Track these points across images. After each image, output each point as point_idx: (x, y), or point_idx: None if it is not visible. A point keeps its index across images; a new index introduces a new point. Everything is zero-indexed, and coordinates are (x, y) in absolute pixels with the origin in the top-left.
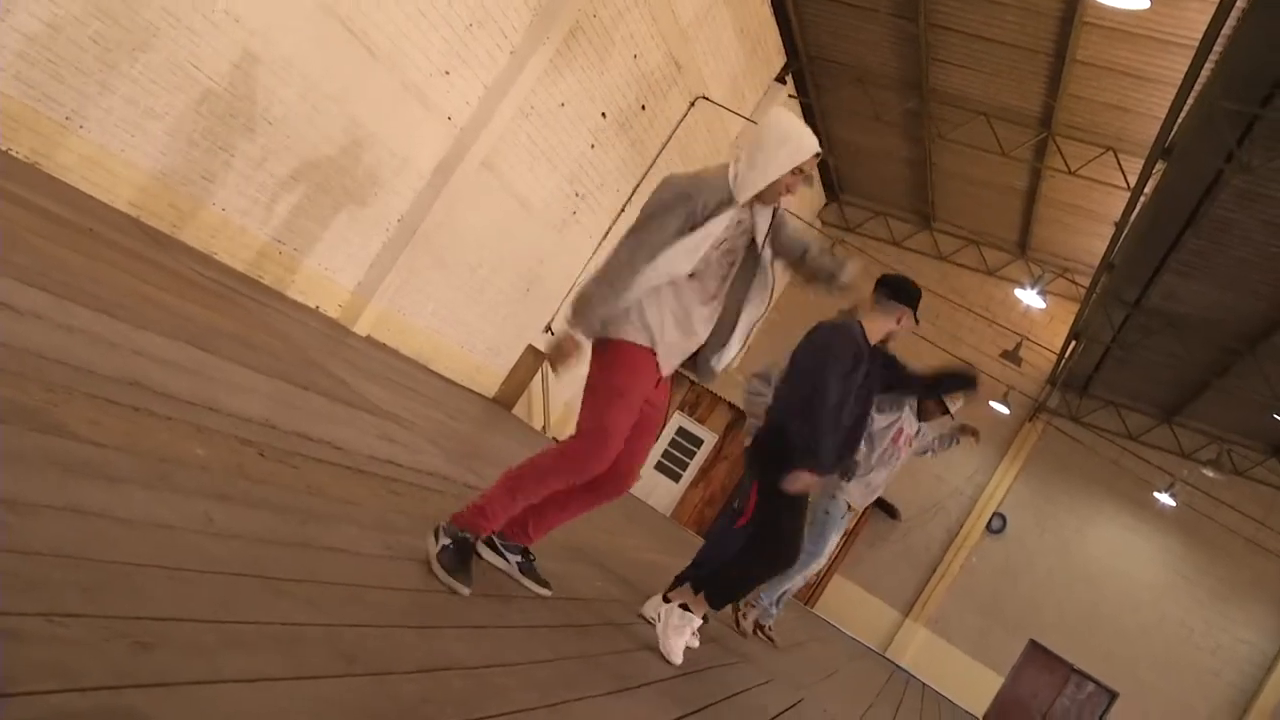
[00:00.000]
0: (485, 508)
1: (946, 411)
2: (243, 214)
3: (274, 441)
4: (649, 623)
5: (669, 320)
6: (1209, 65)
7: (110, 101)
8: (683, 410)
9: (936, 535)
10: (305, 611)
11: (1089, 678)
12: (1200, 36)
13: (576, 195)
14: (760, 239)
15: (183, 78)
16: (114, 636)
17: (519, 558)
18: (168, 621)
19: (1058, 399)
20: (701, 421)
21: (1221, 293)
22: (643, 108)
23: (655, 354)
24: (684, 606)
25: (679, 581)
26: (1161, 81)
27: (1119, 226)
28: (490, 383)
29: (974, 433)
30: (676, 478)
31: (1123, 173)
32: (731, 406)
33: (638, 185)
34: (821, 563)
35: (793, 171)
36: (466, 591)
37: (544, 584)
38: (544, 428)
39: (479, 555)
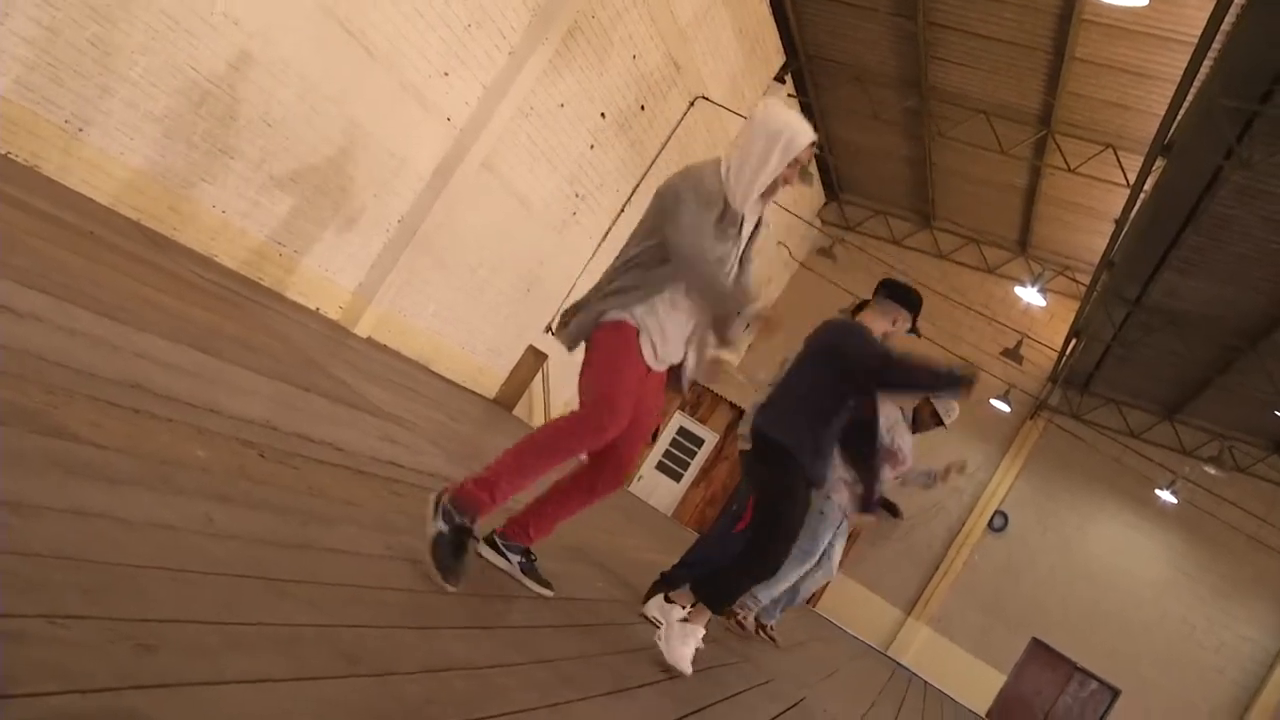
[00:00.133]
0: (493, 481)
1: (941, 422)
2: (243, 216)
3: (275, 443)
4: (651, 622)
5: (660, 313)
6: (1208, 62)
7: (109, 104)
8: (683, 410)
9: (938, 534)
10: (307, 612)
11: (1091, 675)
12: (1199, 33)
13: (576, 196)
14: (745, 241)
15: (182, 80)
16: (116, 638)
17: (520, 558)
18: (170, 623)
19: (1059, 397)
20: (703, 421)
21: (1222, 289)
22: (642, 108)
23: (651, 342)
24: (684, 619)
25: (664, 580)
26: (1161, 78)
27: (1119, 224)
28: (491, 384)
29: (959, 469)
30: (677, 478)
31: (1122, 170)
32: (732, 406)
33: (637, 185)
34: (832, 573)
35: (789, 164)
36: (452, 590)
37: (546, 584)
38: None
39: (479, 554)
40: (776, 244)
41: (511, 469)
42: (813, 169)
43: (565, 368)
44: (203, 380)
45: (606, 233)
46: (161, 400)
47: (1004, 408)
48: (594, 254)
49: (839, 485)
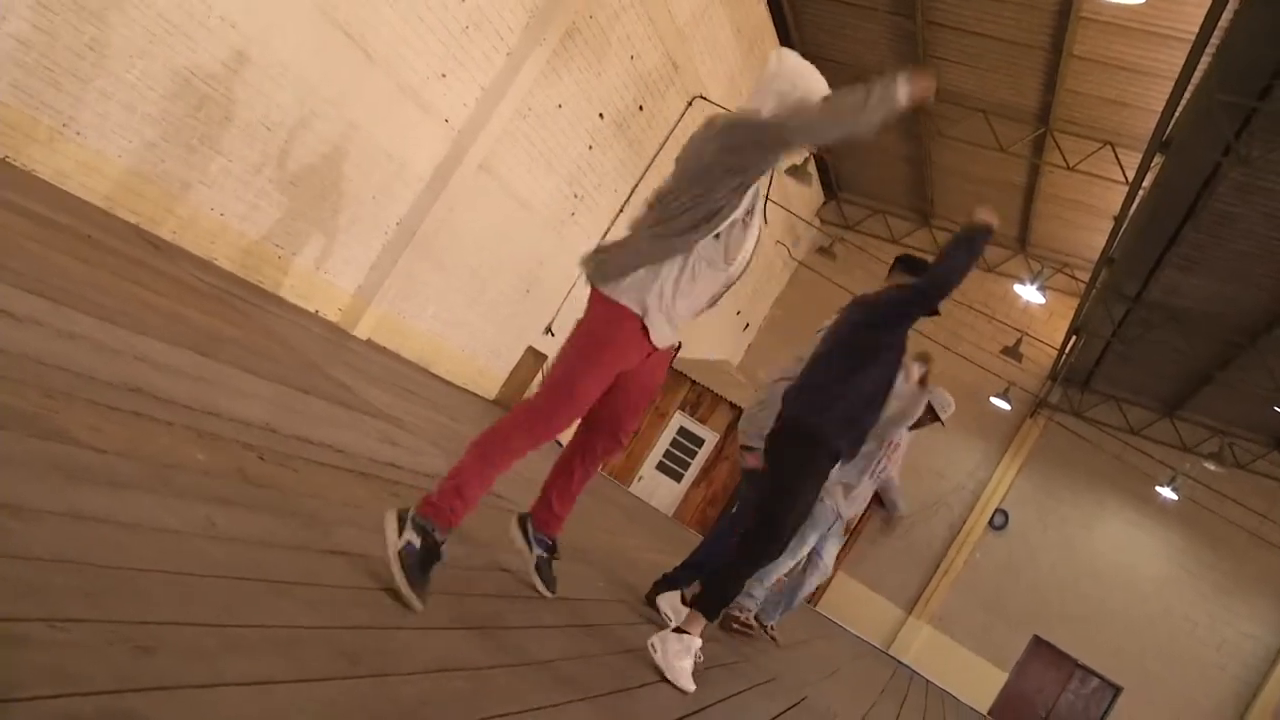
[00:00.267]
0: (460, 486)
1: (937, 418)
2: (241, 219)
3: (275, 445)
4: (664, 617)
5: (668, 293)
6: (1206, 58)
7: (107, 107)
8: (683, 410)
9: (939, 532)
10: (307, 614)
11: (1093, 673)
12: (1197, 30)
13: (575, 196)
14: (761, 204)
15: (179, 83)
16: (116, 641)
17: (541, 553)
18: (169, 626)
19: (1059, 394)
20: (703, 421)
21: (1222, 286)
22: (640, 108)
23: (645, 325)
24: (679, 630)
25: (666, 581)
26: (1158, 75)
27: (1118, 221)
28: (491, 385)
29: (893, 524)
30: (678, 478)
31: (1121, 167)
32: (732, 406)
33: (635, 186)
34: (826, 575)
35: None
36: (419, 608)
37: (550, 585)
38: None
39: (518, 533)
40: (775, 243)
41: (477, 470)
42: (811, 168)
43: None
44: (202, 383)
45: (605, 233)
46: (161, 403)
47: (1004, 406)
48: None
49: (834, 489)
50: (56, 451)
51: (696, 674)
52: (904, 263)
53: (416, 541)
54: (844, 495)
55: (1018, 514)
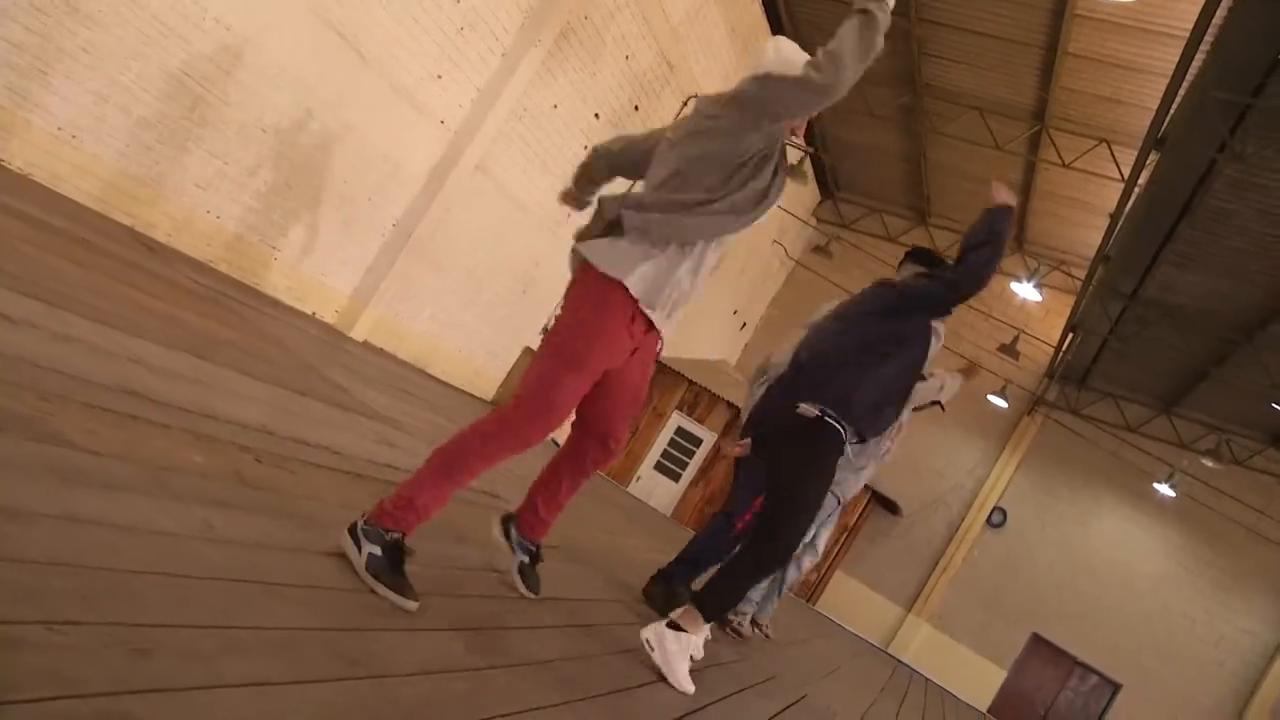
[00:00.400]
0: (414, 499)
1: (937, 401)
2: (237, 221)
3: (272, 447)
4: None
5: (673, 296)
6: (1200, 55)
7: (103, 110)
8: (681, 410)
9: (938, 530)
10: (304, 616)
11: (1092, 670)
12: (1191, 27)
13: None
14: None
15: (174, 85)
16: (112, 643)
17: (524, 558)
18: (166, 628)
19: (1056, 392)
20: (700, 421)
21: (1218, 282)
22: (636, 108)
23: (638, 304)
24: (674, 626)
25: (662, 576)
26: (1153, 72)
27: (1114, 218)
28: (488, 385)
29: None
30: (676, 477)
31: (1116, 164)
32: (730, 405)
33: (631, 186)
34: (817, 558)
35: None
36: (414, 606)
37: (534, 588)
38: None
39: (500, 535)
40: (772, 242)
41: (436, 482)
42: (806, 168)
43: None
44: (199, 385)
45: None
46: (157, 406)
47: (1001, 403)
48: None
49: (845, 478)
50: (52, 454)
51: (695, 673)
52: (916, 255)
53: (377, 550)
54: (849, 481)
55: (1016, 512)
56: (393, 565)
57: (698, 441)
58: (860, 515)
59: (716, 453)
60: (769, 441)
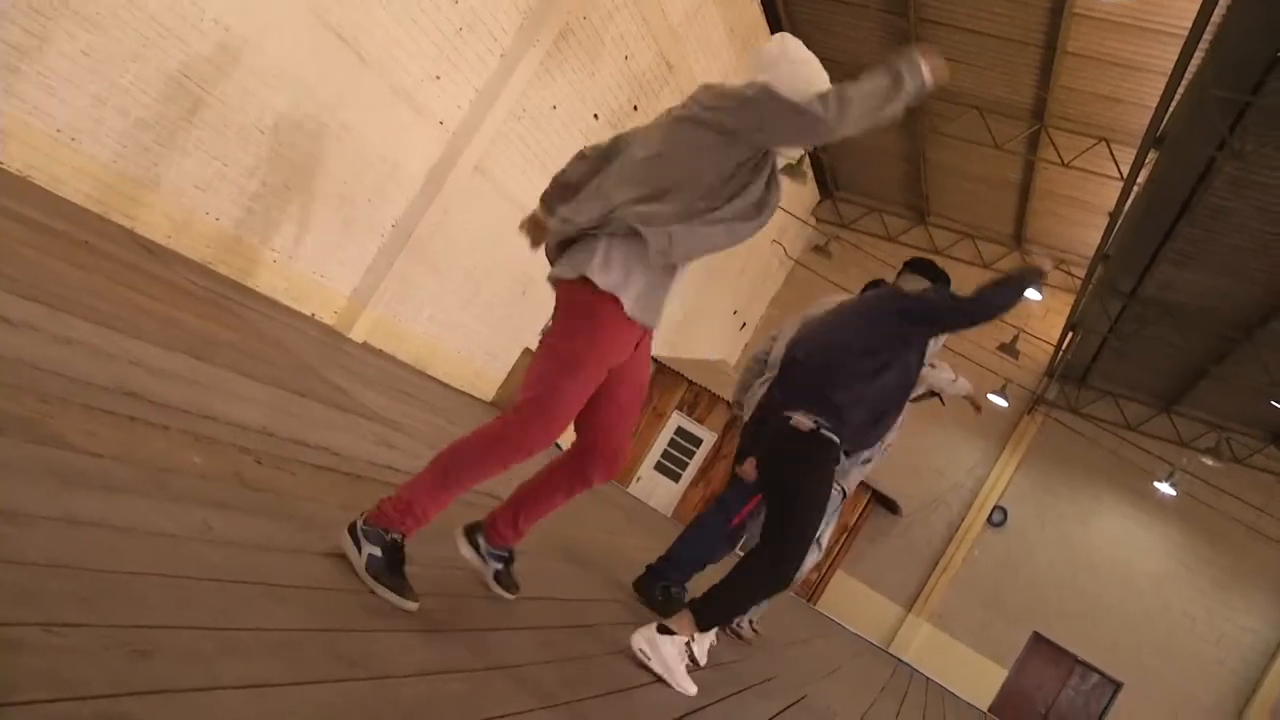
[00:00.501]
0: (413, 504)
1: (935, 393)
2: (237, 223)
3: (271, 449)
4: (639, 656)
5: (660, 297)
6: (1199, 54)
7: (102, 113)
8: (681, 410)
9: (938, 530)
10: (304, 617)
11: (1093, 669)
12: (1190, 25)
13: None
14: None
15: (174, 87)
16: (112, 645)
17: (499, 566)
18: (165, 629)
19: (1056, 391)
20: (700, 421)
21: (1217, 280)
22: (635, 108)
23: (628, 312)
24: (664, 629)
25: (650, 573)
26: (1152, 71)
27: (1113, 217)
28: (488, 386)
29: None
30: (676, 478)
31: (1116, 163)
32: (729, 405)
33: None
34: (820, 554)
35: None
36: (414, 607)
37: (513, 589)
38: None
39: (469, 550)
40: (771, 242)
41: (434, 490)
42: (806, 167)
43: None
44: (198, 387)
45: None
46: (157, 408)
47: (1001, 403)
48: None
49: (848, 470)
50: (52, 456)
51: (694, 674)
52: (917, 266)
53: (377, 551)
54: (853, 473)
55: (1016, 511)
56: (392, 566)
57: (698, 442)
58: (860, 515)
59: (717, 453)
60: (765, 453)
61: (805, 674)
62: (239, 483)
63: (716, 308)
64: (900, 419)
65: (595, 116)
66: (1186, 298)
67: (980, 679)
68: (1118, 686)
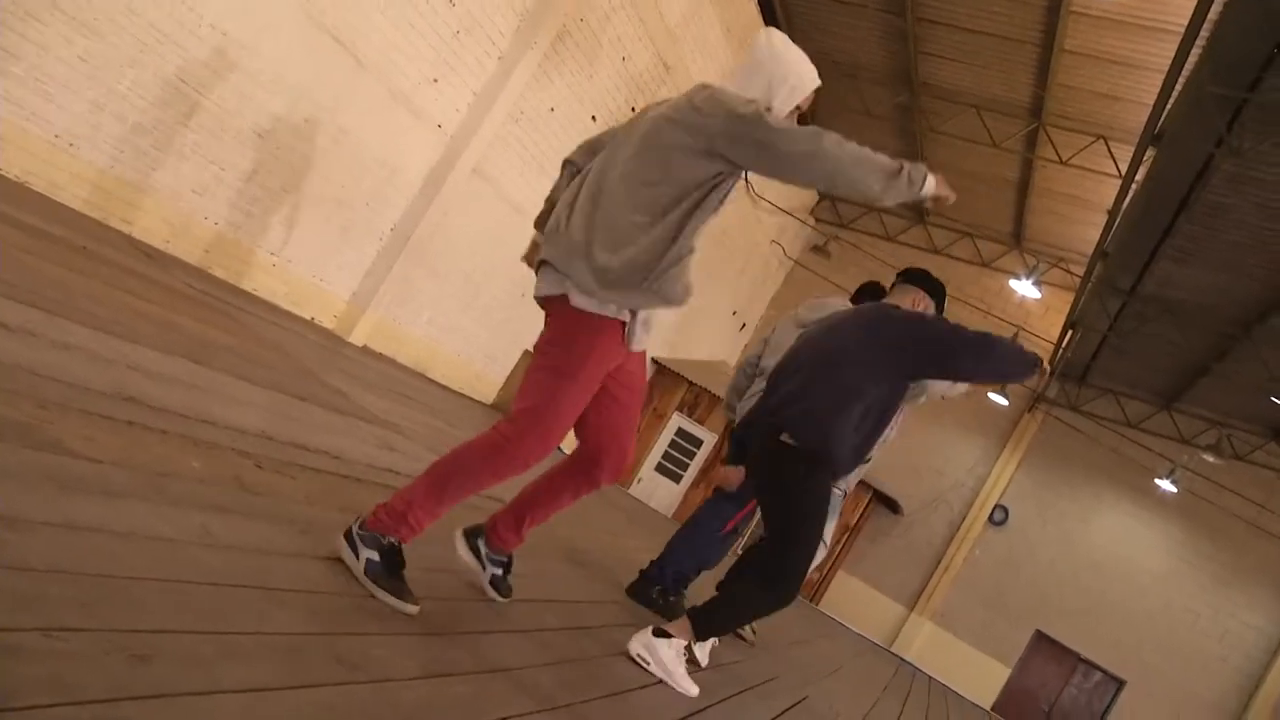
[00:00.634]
0: (407, 514)
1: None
2: (236, 227)
3: (271, 453)
4: (637, 662)
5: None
6: (1196, 50)
7: (99, 118)
8: (681, 411)
9: (939, 529)
10: (304, 621)
11: (1096, 666)
12: (1186, 22)
13: None
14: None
15: (171, 92)
16: (111, 650)
17: (497, 570)
18: (165, 634)
19: (1056, 389)
20: (700, 422)
21: (1216, 277)
22: (633, 110)
23: (623, 325)
24: (660, 633)
25: (644, 578)
26: (1149, 68)
27: (1112, 214)
28: (488, 389)
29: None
30: (677, 479)
31: (1114, 160)
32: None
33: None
34: (824, 553)
35: (790, 113)
36: (414, 610)
37: (507, 593)
38: None
39: (468, 554)
40: (771, 242)
41: (430, 500)
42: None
43: None
44: (197, 391)
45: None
46: (155, 412)
47: (1002, 401)
48: None
49: (851, 473)
50: (50, 462)
51: (695, 675)
52: (910, 277)
53: (375, 555)
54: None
55: (1017, 509)
56: (391, 570)
57: (698, 443)
58: (861, 515)
59: (718, 454)
60: (759, 472)
61: (807, 674)
62: (238, 487)
63: (716, 308)
64: (899, 417)
65: (593, 118)
66: (1186, 295)
67: (983, 678)
68: (1120, 684)
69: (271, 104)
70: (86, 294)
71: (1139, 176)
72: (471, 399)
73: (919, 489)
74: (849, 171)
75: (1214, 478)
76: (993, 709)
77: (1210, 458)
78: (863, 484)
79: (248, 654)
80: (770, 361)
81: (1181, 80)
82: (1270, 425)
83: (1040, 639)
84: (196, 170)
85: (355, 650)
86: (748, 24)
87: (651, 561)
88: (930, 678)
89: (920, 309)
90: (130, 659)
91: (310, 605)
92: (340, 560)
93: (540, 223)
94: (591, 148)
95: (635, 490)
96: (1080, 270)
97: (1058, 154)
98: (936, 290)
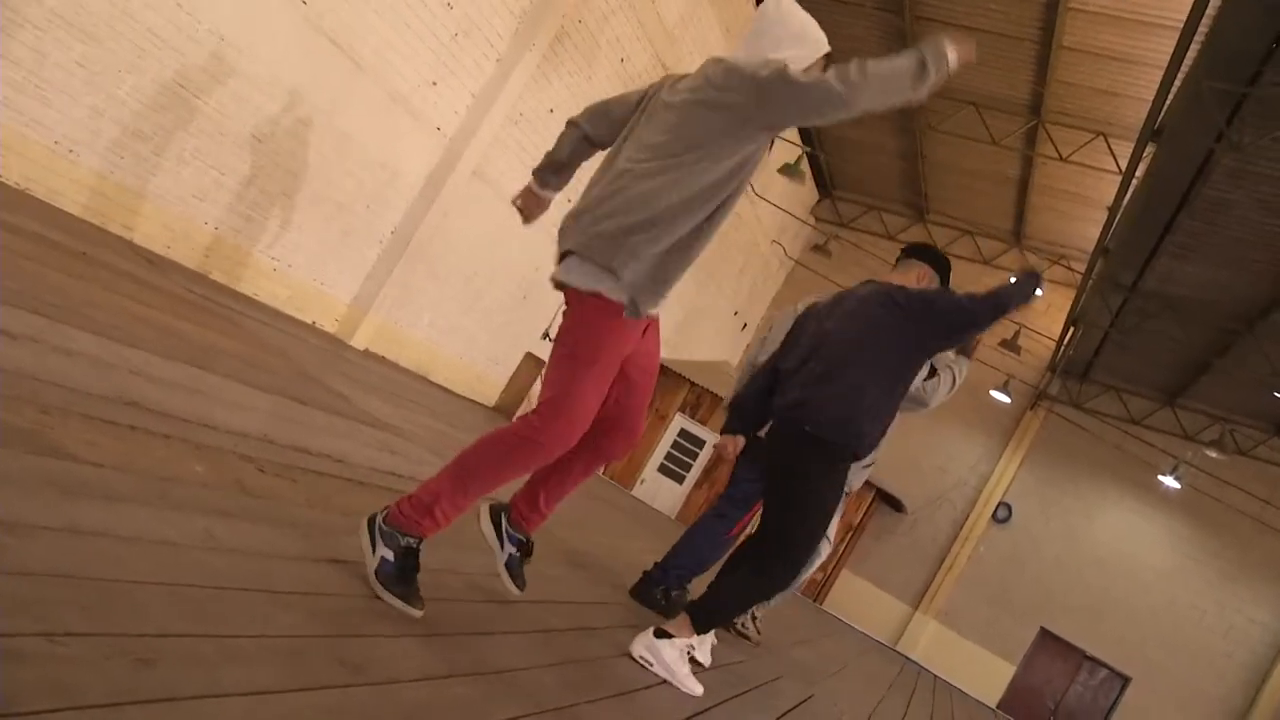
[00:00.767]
0: (432, 507)
1: (934, 374)
2: (236, 232)
3: (273, 456)
4: (639, 663)
5: (670, 278)
6: (1195, 46)
7: (99, 124)
8: (684, 412)
9: (943, 527)
10: (307, 624)
11: (1101, 663)
12: (1185, 18)
13: (569, 201)
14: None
15: (170, 98)
16: (114, 654)
17: (514, 550)
18: (168, 638)
19: (1058, 386)
20: (703, 423)
21: (1218, 272)
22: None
23: (647, 302)
24: (661, 633)
25: (647, 580)
26: (1148, 64)
27: (1112, 211)
28: (490, 391)
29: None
30: (680, 479)
31: (1114, 157)
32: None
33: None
34: (825, 554)
35: (808, 69)
36: (419, 614)
37: (520, 584)
38: None
39: (489, 526)
40: (771, 242)
41: (455, 493)
42: (804, 167)
43: None
44: (199, 396)
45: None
46: (157, 417)
47: (1004, 399)
48: None
49: (856, 474)
50: (53, 467)
51: (700, 675)
52: (914, 252)
53: (390, 555)
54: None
55: (1021, 507)
56: (403, 573)
57: (701, 443)
58: (865, 513)
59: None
60: (776, 459)
61: (812, 673)
62: (240, 490)
63: (717, 309)
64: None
65: None
66: (1187, 290)
67: (988, 676)
68: (1126, 681)
69: (270, 108)
70: (87, 300)
71: (1139, 172)
72: (473, 402)
73: (922, 487)
74: (881, 97)
75: (1217, 473)
76: (998, 707)
77: (1213, 453)
78: (866, 483)
79: (250, 657)
80: (766, 357)
81: (1181, 75)
82: (1273, 420)
83: (1045, 636)
84: (196, 175)
85: (358, 652)
86: (746, 24)
87: (655, 563)
88: (935, 676)
89: (925, 284)
90: (133, 663)
91: (312, 607)
92: (345, 561)
93: (538, 172)
94: (603, 115)
95: (638, 491)
96: (1081, 267)
97: (1057, 151)
98: (940, 263)
